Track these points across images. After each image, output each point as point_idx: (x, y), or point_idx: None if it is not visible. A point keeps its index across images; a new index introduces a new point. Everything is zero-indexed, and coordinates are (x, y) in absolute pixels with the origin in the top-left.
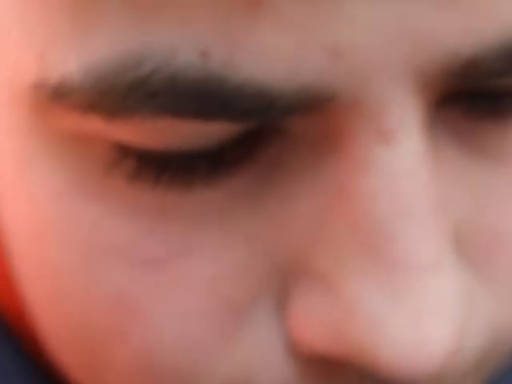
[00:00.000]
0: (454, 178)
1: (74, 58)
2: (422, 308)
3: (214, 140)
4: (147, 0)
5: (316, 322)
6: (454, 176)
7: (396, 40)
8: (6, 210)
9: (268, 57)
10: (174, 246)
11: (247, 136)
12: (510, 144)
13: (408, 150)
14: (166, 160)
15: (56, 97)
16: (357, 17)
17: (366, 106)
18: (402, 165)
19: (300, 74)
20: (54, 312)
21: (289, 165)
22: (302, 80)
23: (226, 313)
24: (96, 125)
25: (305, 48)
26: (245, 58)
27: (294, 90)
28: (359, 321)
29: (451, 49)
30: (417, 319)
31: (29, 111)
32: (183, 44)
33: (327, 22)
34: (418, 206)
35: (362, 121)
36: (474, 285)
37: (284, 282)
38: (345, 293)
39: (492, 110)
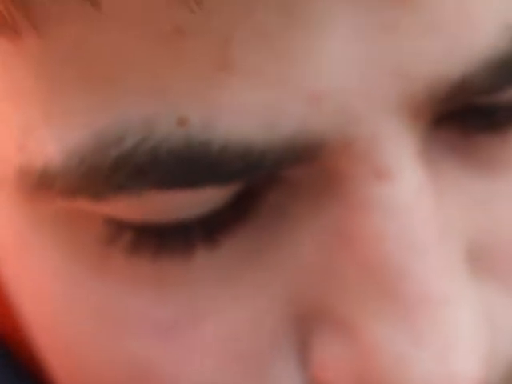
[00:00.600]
0: (459, 196)
1: (52, 144)
2: (444, 342)
3: (208, 205)
4: (118, 75)
5: (339, 366)
6: (458, 193)
7: (377, 77)
8: (11, 282)
9: (247, 115)
10: (184, 312)
11: (242, 193)
12: (508, 153)
13: (407, 185)
14: (163, 231)
15: (40, 185)
16: (332, 60)
17: (358, 146)
18: (403, 200)
19: (282, 126)
20: (66, 370)
21: (289, 212)
22: (286, 132)
23: (244, 367)
24: (85, 204)
25: (283, 100)
26: (224, 119)
27: (279, 143)
28: (384, 362)
29: (437, 73)
30: (441, 354)
31: (17, 193)
32: (160, 114)
33: (302, 70)
34: (424, 239)
35: (356, 162)
36: (495, 299)
37: (301, 329)
38: (366, 336)
39: (488, 122)
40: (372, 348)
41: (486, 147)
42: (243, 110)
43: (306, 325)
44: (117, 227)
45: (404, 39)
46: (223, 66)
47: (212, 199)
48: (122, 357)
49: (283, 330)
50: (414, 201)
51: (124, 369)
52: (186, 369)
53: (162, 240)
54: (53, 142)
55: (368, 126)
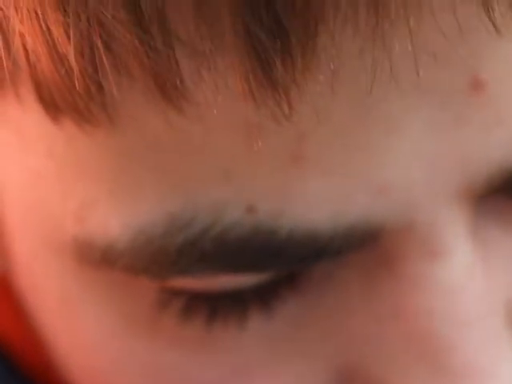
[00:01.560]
0: (504, 259)
1: (117, 222)
2: None
3: (266, 277)
4: (191, 162)
5: None
6: (503, 256)
7: (442, 168)
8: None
9: (315, 203)
10: (234, 375)
11: None
12: None
13: (459, 264)
14: (218, 298)
15: (102, 260)
16: (402, 155)
17: (416, 230)
18: (453, 279)
19: (348, 214)
20: None
21: (341, 282)
22: (350, 220)
23: None
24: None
25: (351, 189)
26: (292, 208)
27: (342, 230)
28: None
29: (498, 161)
30: None
31: (71, 261)
32: (230, 201)
33: (372, 164)
34: (471, 315)
35: (413, 243)
36: None
37: None
38: None
39: None
40: None
41: None
42: (312, 200)
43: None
44: (170, 294)
45: (474, 133)
46: (296, 159)
47: (270, 274)
48: None
49: None
50: (464, 280)
51: None
52: None
53: (216, 307)
54: (118, 220)
55: (427, 213)
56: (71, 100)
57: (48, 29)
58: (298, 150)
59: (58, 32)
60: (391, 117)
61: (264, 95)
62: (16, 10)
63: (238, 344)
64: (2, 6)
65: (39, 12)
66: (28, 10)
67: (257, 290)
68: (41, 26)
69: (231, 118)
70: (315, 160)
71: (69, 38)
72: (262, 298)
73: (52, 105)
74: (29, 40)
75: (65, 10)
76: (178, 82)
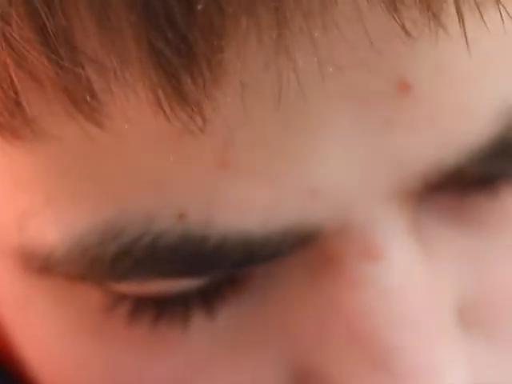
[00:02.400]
0: (451, 255)
1: (54, 233)
2: None
3: (206, 279)
4: (119, 172)
5: None
6: (450, 252)
7: (372, 170)
8: (9, 325)
9: (245, 210)
10: (181, 372)
11: None
12: (499, 210)
13: (397, 265)
14: (162, 301)
15: (43, 268)
16: (330, 159)
17: (351, 230)
18: (393, 280)
19: (280, 218)
20: None
21: (283, 283)
22: (283, 223)
23: None
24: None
25: (280, 194)
26: (222, 214)
27: (276, 234)
28: None
29: (431, 163)
30: None
31: (18, 268)
32: (160, 209)
33: (299, 169)
34: (415, 315)
35: (350, 244)
36: (484, 357)
37: None
38: None
39: (480, 185)
40: None
41: (476, 205)
42: (241, 206)
43: (300, 380)
44: (116, 297)
45: (402, 134)
46: (222, 165)
47: (210, 276)
48: None
49: None
50: (403, 280)
51: None
52: None
53: (161, 309)
54: (54, 230)
55: (361, 213)
56: None
57: None
58: (223, 156)
59: None
60: (313, 122)
61: (175, 109)
62: None
63: (183, 344)
64: None
65: None
66: None
67: (200, 291)
68: None
69: (146, 131)
70: (241, 166)
71: None
72: (205, 299)
73: None
74: None
75: None
76: (88, 98)
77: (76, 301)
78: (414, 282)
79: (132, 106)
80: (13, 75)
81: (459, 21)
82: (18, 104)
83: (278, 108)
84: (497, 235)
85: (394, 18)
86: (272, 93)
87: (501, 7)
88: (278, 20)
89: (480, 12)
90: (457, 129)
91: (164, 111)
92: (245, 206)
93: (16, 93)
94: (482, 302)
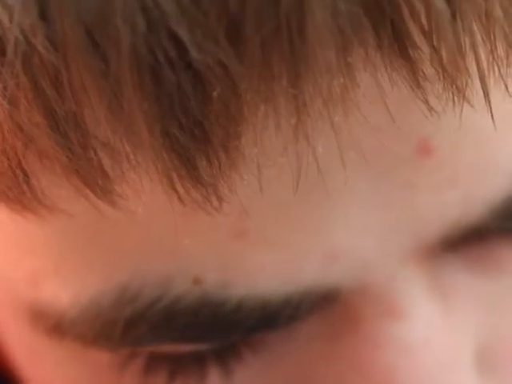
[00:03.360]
0: (469, 303)
1: (66, 295)
2: None
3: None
4: (135, 239)
5: None
6: (469, 301)
7: (395, 233)
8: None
9: (263, 274)
10: None
11: None
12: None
13: (420, 321)
14: (178, 359)
15: (54, 329)
16: (349, 225)
17: (372, 290)
18: (416, 337)
19: (298, 282)
20: None
21: (301, 339)
22: (302, 287)
23: None
24: None
25: (299, 260)
26: (239, 279)
27: (295, 298)
28: None
29: (452, 221)
30: None
31: (30, 324)
32: (176, 274)
33: (317, 234)
34: (437, 369)
35: (370, 303)
36: None
37: None
38: None
39: (502, 235)
40: None
41: (498, 252)
42: (258, 272)
43: None
44: (128, 355)
45: (423, 196)
46: (239, 234)
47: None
48: None
49: None
50: (425, 336)
51: None
52: None
53: (176, 366)
54: (67, 293)
55: (381, 273)
56: (3, 192)
57: None
58: (240, 225)
59: None
60: (332, 194)
61: (190, 191)
62: None
63: None
64: None
65: None
66: None
67: (217, 350)
68: None
69: (160, 210)
70: (258, 234)
71: None
72: (222, 358)
73: None
74: None
75: None
76: (100, 181)
77: (87, 358)
78: (436, 337)
79: (145, 187)
80: (21, 157)
81: (484, 95)
82: (27, 182)
83: (297, 191)
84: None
85: (417, 95)
86: (290, 176)
87: None
88: (297, 107)
89: (505, 84)
90: (479, 189)
91: (178, 193)
92: (263, 272)
93: (25, 173)
94: (500, 349)
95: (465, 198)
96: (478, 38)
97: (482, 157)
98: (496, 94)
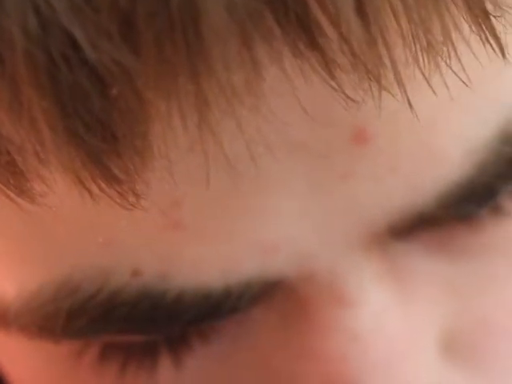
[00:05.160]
0: (431, 288)
1: (11, 287)
2: None
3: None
4: (73, 231)
5: None
6: (431, 286)
7: (336, 221)
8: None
9: (202, 265)
10: None
11: None
12: (480, 239)
13: (369, 310)
14: (130, 347)
15: (2, 321)
16: (286, 214)
17: (317, 278)
18: (365, 325)
19: (239, 273)
20: None
21: (255, 328)
22: (243, 277)
23: None
24: None
25: (237, 251)
26: (178, 271)
27: (235, 290)
28: None
29: (396, 210)
30: None
31: None
32: (115, 266)
33: (254, 226)
34: (389, 357)
35: (318, 292)
36: None
37: None
38: None
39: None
40: None
41: (458, 236)
42: (197, 263)
43: None
44: (82, 344)
45: (361, 185)
46: (173, 226)
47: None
48: None
49: None
50: (377, 324)
51: None
52: None
53: (128, 356)
54: (12, 285)
55: (326, 262)
56: None
57: None
58: (173, 217)
59: None
60: (265, 179)
61: (104, 190)
62: None
63: None
64: None
65: None
66: None
67: (168, 341)
68: None
69: (86, 206)
70: (193, 226)
71: None
72: (173, 348)
73: None
74: None
75: None
76: (12, 180)
77: (47, 348)
78: (390, 324)
79: (60, 185)
80: None
81: (398, 84)
82: None
83: (208, 186)
84: (480, 265)
85: (332, 87)
86: (202, 172)
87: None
88: (198, 104)
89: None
90: (421, 176)
91: (90, 191)
92: (200, 264)
93: None
94: (467, 334)
95: (407, 185)
96: (388, 24)
97: (421, 144)
98: (436, 79)
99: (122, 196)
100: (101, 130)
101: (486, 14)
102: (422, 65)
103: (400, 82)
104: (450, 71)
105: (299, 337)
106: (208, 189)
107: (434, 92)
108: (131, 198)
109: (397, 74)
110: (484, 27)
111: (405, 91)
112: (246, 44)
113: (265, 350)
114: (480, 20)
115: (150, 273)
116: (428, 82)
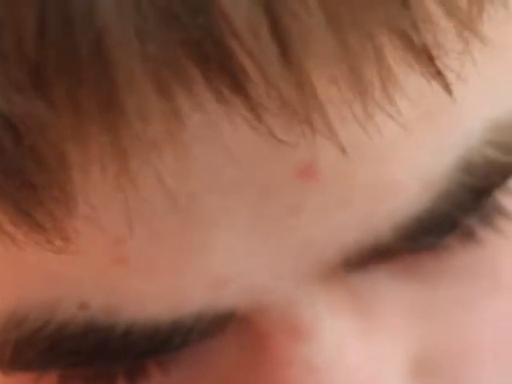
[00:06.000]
0: (397, 313)
1: None
2: None
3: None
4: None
5: None
6: (397, 311)
7: (285, 256)
8: None
9: (149, 300)
10: None
11: None
12: (448, 263)
13: (327, 341)
14: (89, 376)
15: None
16: (233, 250)
17: (272, 312)
18: (323, 357)
19: (187, 307)
20: None
21: (213, 357)
22: (191, 313)
23: None
24: None
25: (185, 286)
26: (125, 305)
27: (185, 323)
28: None
29: (348, 244)
30: None
31: None
32: (62, 298)
33: (200, 259)
34: None
35: (273, 323)
36: None
37: None
38: None
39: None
40: None
41: (421, 261)
42: (144, 297)
43: None
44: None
45: (310, 219)
46: (118, 261)
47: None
48: None
49: None
50: (336, 356)
51: None
52: None
53: (89, 378)
54: None
55: (280, 295)
56: None
57: None
58: (117, 253)
59: None
60: (209, 216)
61: (30, 236)
62: None
63: None
64: None
65: None
66: None
67: (126, 369)
68: None
69: None
70: (137, 261)
71: None
72: (132, 378)
73: None
74: None
75: None
76: None
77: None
78: (349, 356)
79: None
80: None
81: (329, 129)
82: None
83: (132, 235)
84: (451, 289)
85: (261, 131)
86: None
87: None
88: (115, 155)
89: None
90: (375, 209)
91: (11, 236)
92: (148, 298)
93: None
94: (440, 357)
95: (360, 218)
96: (317, 68)
97: (374, 177)
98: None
99: (49, 242)
100: (20, 179)
101: (427, 53)
102: (357, 107)
103: (330, 125)
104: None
105: (257, 369)
106: (133, 236)
107: (379, 131)
108: (58, 243)
109: (325, 116)
110: (425, 65)
111: (336, 134)
112: (164, 93)
113: (223, 381)
114: (421, 58)
115: (97, 306)
116: (362, 125)
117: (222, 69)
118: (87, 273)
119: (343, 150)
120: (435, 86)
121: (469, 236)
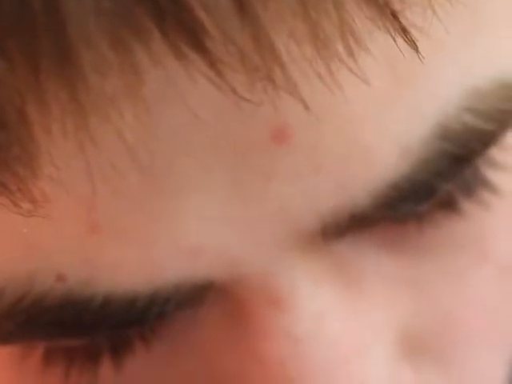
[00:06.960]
0: (385, 286)
1: None
2: None
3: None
4: None
5: None
6: (384, 283)
7: (261, 223)
8: None
9: (125, 270)
10: None
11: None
12: (434, 235)
13: (307, 312)
14: (73, 350)
15: None
16: (206, 215)
17: (251, 282)
18: (304, 328)
19: (164, 278)
20: None
21: (198, 329)
22: (168, 283)
23: None
24: None
25: (160, 256)
26: (102, 275)
27: (162, 294)
28: None
29: (326, 209)
30: None
31: None
32: (39, 271)
33: (174, 228)
34: (329, 361)
35: (252, 293)
36: (433, 380)
37: None
38: None
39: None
40: None
41: (407, 232)
42: (120, 267)
43: None
44: (26, 347)
45: (285, 185)
46: (91, 229)
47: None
48: None
49: None
50: (317, 326)
51: None
52: None
53: (72, 358)
54: None
55: (257, 264)
56: None
57: None
58: (89, 220)
59: None
60: (179, 183)
61: None
62: None
63: None
64: None
65: None
66: None
67: (110, 343)
68: None
69: None
70: (110, 229)
71: None
72: (115, 351)
73: None
74: None
75: None
76: None
77: None
78: (330, 327)
79: None
80: None
81: (287, 82)
82: None
83: (95, 193)
84: (439, 261)
85: (222, 88)
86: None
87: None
88: (74, 112)
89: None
90: (351, 176)
91: None
92: (123, 268)
93: None
94: (429, 329)
95: (336, 186)
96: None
97: (348, 143)
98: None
99: (17, 205)
100: None
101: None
102: (319, 64)
103: (291, 81)
104: (374, 66)
105: (237, 341)
106: (97, 194)
107: (343, 90)
108: (26, 206)
109: (286, 72)
110: (389, 22)
111: (298, 90)
112: (120, 48)
113: (205, 353)
114: (384, 13)
115: (74, 278)
116: (326, 83)
117: (178, 23)
118: (63, 243)
119: (306, 107)
120: (402, 45)
121: (451, 207)
